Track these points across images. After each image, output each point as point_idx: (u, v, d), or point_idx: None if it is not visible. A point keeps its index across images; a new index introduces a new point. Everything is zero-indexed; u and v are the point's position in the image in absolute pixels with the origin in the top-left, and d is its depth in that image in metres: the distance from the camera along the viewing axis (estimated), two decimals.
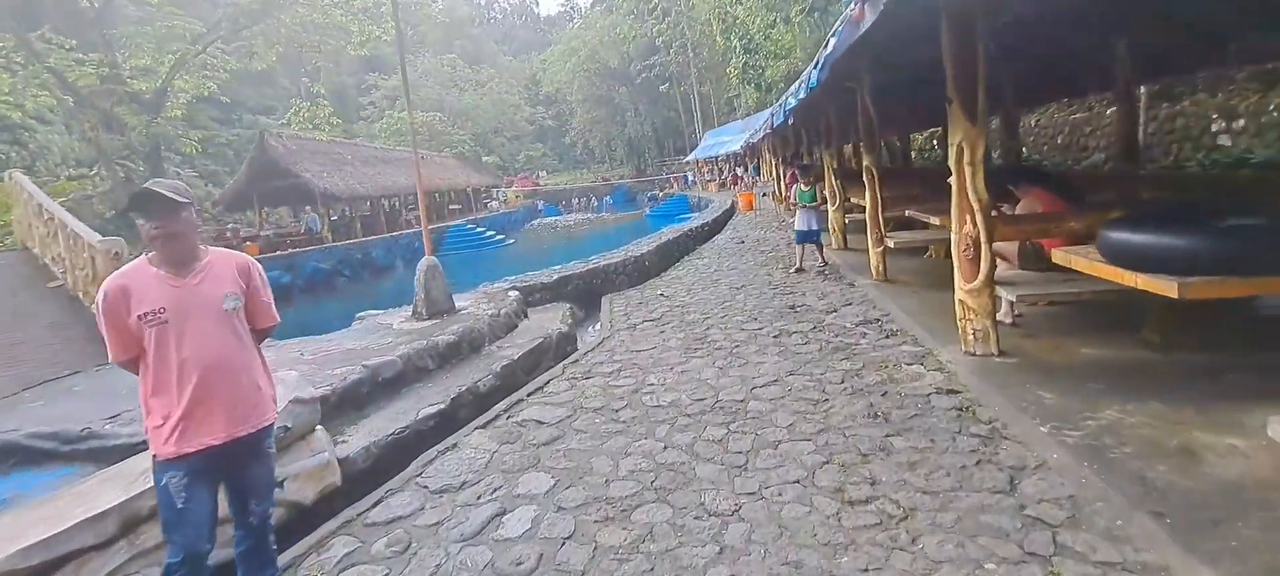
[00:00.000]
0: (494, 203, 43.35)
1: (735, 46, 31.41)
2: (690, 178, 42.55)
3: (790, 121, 8.93)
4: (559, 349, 6.26)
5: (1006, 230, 4.47)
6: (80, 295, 6.85)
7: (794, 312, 6.45)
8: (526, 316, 6.95)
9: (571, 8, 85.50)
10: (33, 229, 9.17)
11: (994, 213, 4.43)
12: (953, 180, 4.46)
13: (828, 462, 3.28)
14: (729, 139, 34.66)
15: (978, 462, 3.11)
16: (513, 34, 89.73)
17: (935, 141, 19.72)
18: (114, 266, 6.24)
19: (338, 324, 14.54)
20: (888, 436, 3.48)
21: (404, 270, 24.77)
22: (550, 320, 6.94)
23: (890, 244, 7.19)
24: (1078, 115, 13.62)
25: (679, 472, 3.37)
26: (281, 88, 48.80)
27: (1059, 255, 3.79)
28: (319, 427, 3.39)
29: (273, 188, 24.38)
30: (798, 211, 8.45)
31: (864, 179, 7.23)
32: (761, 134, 16.56)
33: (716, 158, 37.08)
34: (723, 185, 35.32)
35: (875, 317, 5.90)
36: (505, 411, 4.52)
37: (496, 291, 7.47)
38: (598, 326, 7.76)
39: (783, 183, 18.13)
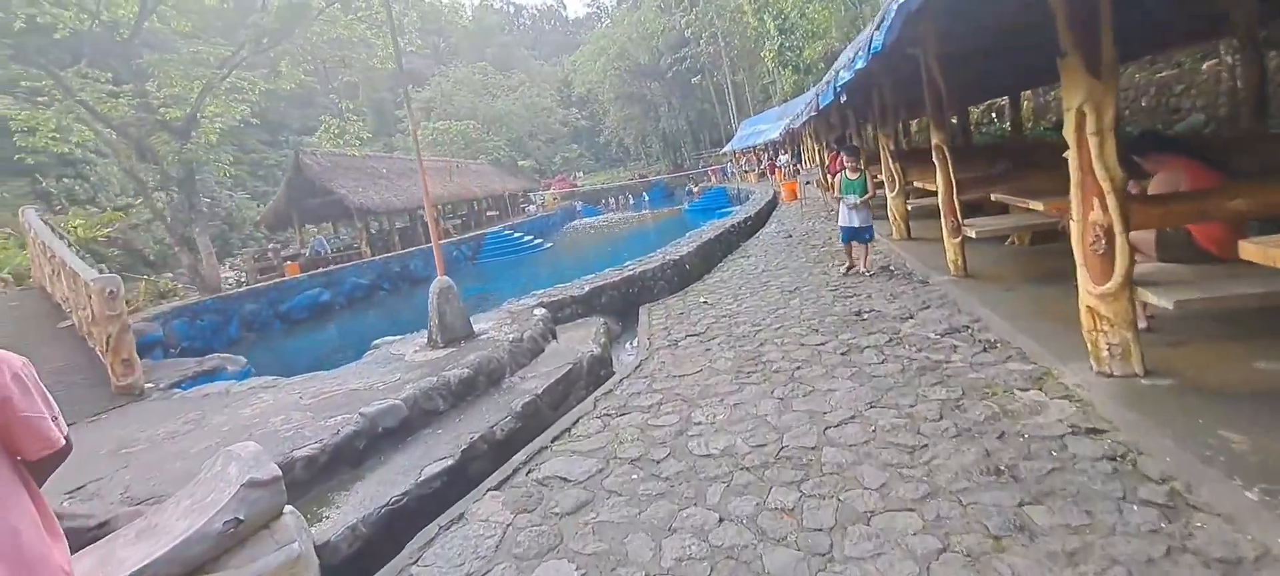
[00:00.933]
0: (532, 206, 43.13)
1: (769, 28, 30.14)
2: (729, 169, 41.34)
3: (842, 98, 7.94)
4: (591, 374, 5.51)
5: (1148, 213, 3.47)
6: (87, 337, 6.50)
7: (861, 321, 5.52)
8: (555, 337, 6.23)
9: (598, 8, 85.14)
10: (42, 266, 9.00)
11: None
12: (1070, 154, 3.49)
13: (946, 549, 2.41)
14: (766, 127, 33.46)
15: (1167, 552, 2.19)
16: (542, 38, 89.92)
17: (995, 115, 18.21)
18: (109, 307, 5.80)
19: (370, 342, 14.27)
20: (1022, 505, 2.58)
21: None
22: (582, 339, 6.20)
23: (971, 233, 6.18)
24: (1165, 73, 12.12)
25: (741, 563, 2.55)
26: (321, 106, 49.91)
27: (1252, 249, 2.80)
28: (288, 510, 2.71)
29: (311, 205, 24.55)
30: (841, 205, 7.32)
31: (934, 159, 6.22)
32: (802, 118, 15.49)
33: (754, 147, 35.85)
34: (762, 175, 34.13)
35: (964, 325, 4.93)
36: (525, 465, 3.78)
37: (521, 310, 6.77)
38: (634, 343, 6.98)
39: (826, 168, 17.00)
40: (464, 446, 3.93)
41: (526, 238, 30.17)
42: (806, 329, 5.59)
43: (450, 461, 3.75)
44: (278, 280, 19.26)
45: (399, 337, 6.61)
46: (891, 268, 7.46)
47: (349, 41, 18.12)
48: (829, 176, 14.55)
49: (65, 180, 29.78)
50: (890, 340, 4.90)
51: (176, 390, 6.09)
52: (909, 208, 8.87)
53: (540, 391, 4.75)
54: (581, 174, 62.93)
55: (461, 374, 4.72)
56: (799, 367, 4.66)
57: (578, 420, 4.39)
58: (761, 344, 5.41)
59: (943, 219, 6.34)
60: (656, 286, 8.35)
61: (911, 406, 3.70)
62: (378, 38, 18.57)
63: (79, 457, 4.27)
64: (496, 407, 4.56)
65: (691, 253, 9.41)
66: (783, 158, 28.10)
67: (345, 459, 3.81)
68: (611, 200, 49.09)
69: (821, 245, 9.86)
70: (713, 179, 42.45)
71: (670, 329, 6.50)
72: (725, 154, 44.61)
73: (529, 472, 3.70)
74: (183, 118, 15.99)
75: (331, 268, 20.94)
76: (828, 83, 8.76)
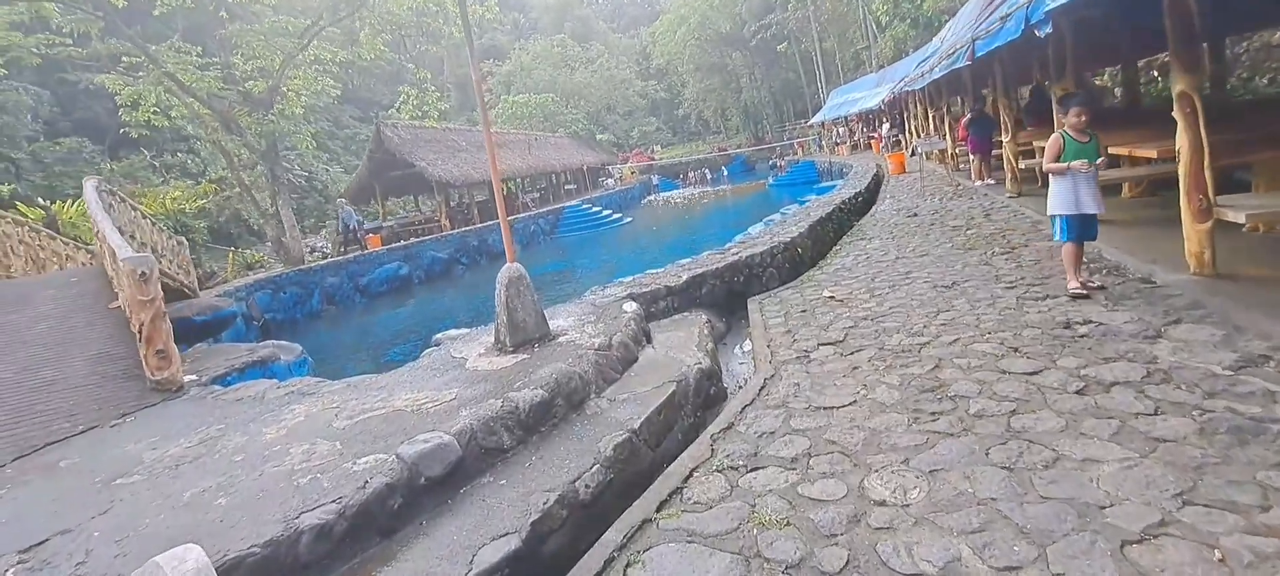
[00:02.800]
0: (609, 180, 42.17)
1: None
2: (820, 141, 38.74)
3: (1042, 30, 6.07)
4: (699, 394, 4.24)
5: None
6: (130, 321, 5.89)
7: (1082, 340, 3.93)
8: (649, 341, 4.98)
9: None
10: (102, 242, 8.67)
11: None
12: None
13: None
14: (861, 96, 30.73)
15: None
16: (621, 9, 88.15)
17: (1157, 73, 15.31)
18: (141, 291, 5.04)
19: (446, 320, 13.61)
20: None
21: (521, 254, 24.03)
22: (682, 343, 4.92)
23: (1230, 216, 4.41)
24: None
25: None
26: (410, 83, 50.97)
27: None
28: None
29: (392, 178, 24.51)
30: (1060, 182, 4.75)
31: (1178, 112, 4.44)
32: (919, 81, 13.38)
33: (847, 117, 33.17)
34: (856, 147, 31.55)
35: (1262, 354, 3.28)
36: (620, 552, 2.57)
37: (607, 303, 5.56)
38: (746, 347, 5.63)
39: (944, 136, 14.82)
40: (536, 515, 2.76)
41: (605, 212, 29.22)
42: (998, 345, 4.05)
43: (516, 543, 2.59)
44: (358, 253, 19.15)
45: (464, 332, 5.57)
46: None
47: (428, 10, 17.49)
48: (958, 147, 12.46)
49: (180, 155, 31.44)
50: (1148, 375, 3.32)
51: (216, 386, 5.34)
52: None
53: (637, 424, 3.52)
54: (659, 147, 61.38)
55: (534, 397, 3.55)
56: (1014, 411, 3.19)
57: (691, 473, 3.13)
58: (935, 365, 3.94)
59: (1183, 197, 4.56)
60: (765, 274, 6.94)
61: (1262, 511, 2.20)
62: (456, 7, 17.85)
63: (74, 485, 3.45)
64: (579, 447, 3.37)
65: (803, 234, 7.91)
66: (885, 127, 25.54)
67: (373, 524, 2.72)
68: (690, 174, 47.41)
69: (965, 226, 8.08)
70: (799, 152, 39.95)
71: (794, 333, 5.10)
72: (812, 125, 41.89)
73: (627, 568, 2.48)
74: (265, 90, 15.85)
75: (411, 241, 20.69)
76: (985, 26, 6.94)
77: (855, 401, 3.66)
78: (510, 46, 60.67)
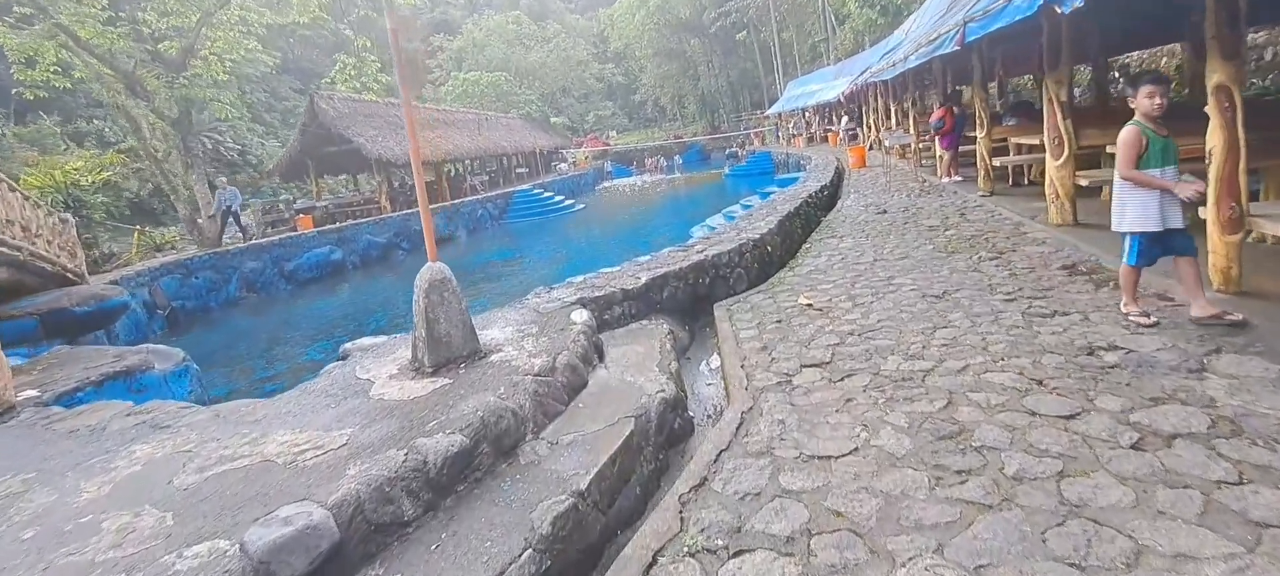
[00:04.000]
0: (563, 165, 40.93)
1: None
2: (777, 132, 38.50)
3: (1014, 22, 5.50)
4: (662, 431, 3.45)
5: None
6: None
7: (1115, 372, 3.32)
8: (601, 359, 4.16)
9: None
10: None
11: None
12: None
13: None
14: (818, 88, 30.50)
15: None
16: None
17: (1118, 74, 15.32)
18: None
19: (376, 317, 12.42)
20: None
21: (466, 240, 22.78)
22: (640, 362, 4.13)
23: (1268, 229, 3.92)
24: None
25: None
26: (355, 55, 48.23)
27: None
28: None
29: (327, 154, 22.74)
30: (1136, 192, 3.65)
31: (1212, 107, 3.89)
32: (888, 71, 12.91)
33: (804, 109, 32.93)
34: (811, 139, 31.35)
35: None
36: None
37: (553, 309, 4.69)
38: (713, 363, 4.89)
39: (930, 130, 14.45)
40: None
41: (558, 198, 28.13)
42: (1017, 376, 3.41)
43: None
44: (284, 235, 17.56)
45: (379, 342, 4.62)
46: (1078, 266, 5.21)
47: None
48: (932, 140, 12.00)
49: (95, 121, 28.47)
50: (1213, 424, 2.71)
51: (57, 407, 4.26)
52: (1085, 183, 6.51)
53: (585, 482, 2.70)
54: (614, 133, 60.31)
55: (450, 446, 2.69)
56: (1062, 473, 2.53)
57: (655, 559, 2.35)
58: (947, 401, 3.26)
59: (1211, 204, 4.03)
60: (733, 275, 6.22)
61: None
62: None
63: None
64: (507, 517, 2.54)
65: (771, 231, 7.22)
66: (843, 121, 25.30)
67: None
68: (646, 161, 46.60)
69: (942, 227, 7.55)
70: (756, 143, 39.63)
71: (771, 350, 4.37)
72: (769, 116, 41.66)
73: None
74: (178, 50, 14.15)
75: (344, 224, 19.17)
76: (964, 15, 6.34)
77: (857, 449, 2.95)
78: (463, 21, 58.25)
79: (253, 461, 2.81)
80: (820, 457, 2.92)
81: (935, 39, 7.65)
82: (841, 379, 3.75)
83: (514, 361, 3.64)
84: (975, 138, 9.88)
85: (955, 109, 10.82)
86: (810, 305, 5.23)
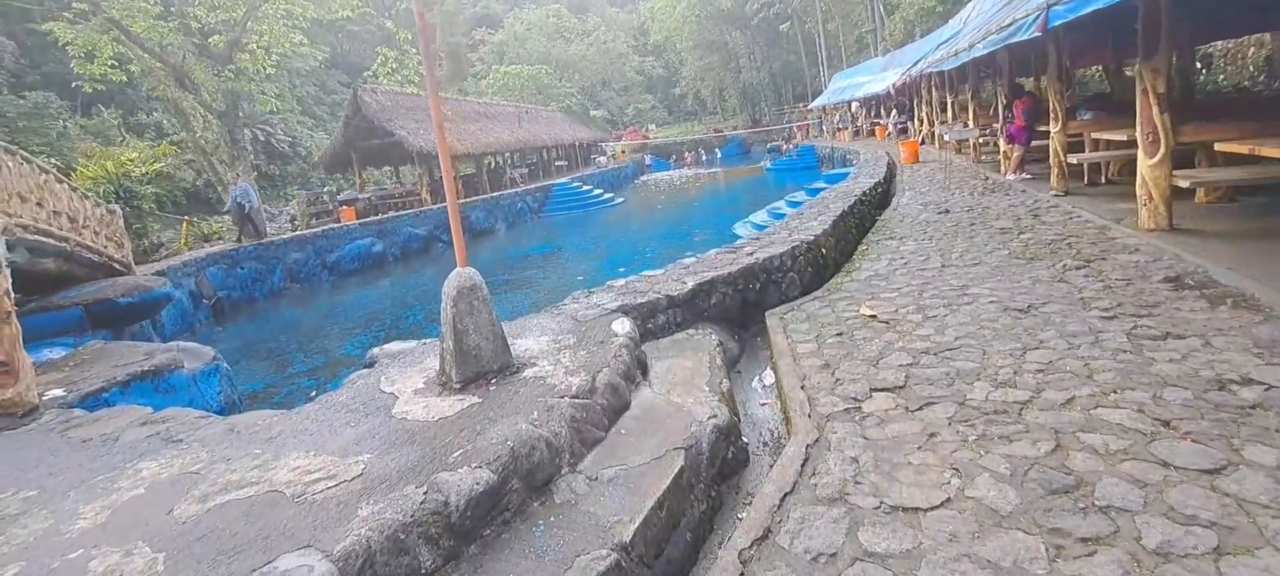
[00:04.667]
0: (602, 158, 40.71)
1: None
2: (822, 126, 37.46)
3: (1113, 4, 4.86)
4: (714, 463, 3.05)
5: None
6: None
7: (1258, 414, 2.77)
8: (645, 374, 3.77)
9: None
10: None
11: None
12: None
13: None
14: (865, 80, 29.46)
15: None
16: None
17: (1202, 66, 14.12)
18: None
19: (414, 312, 12.31)
20: None
21: (505, 233, 22.72)
22: (688, 379, 3.73)
23: None
24: None
25: None
26: (400, 48, 49.01)
27: None
28: None
29: (371, 147, 22.95)
30: None
31: None
32: (948, 61, 12.13)
33: (850, 102, 31.84)
34: (857, 133, 30.31)
35: None
36: None
37: (592, 317, 4.33)
38: (767, 379, 4.45)
39: (1001, 124, 13.61)
40: None
41: (596, 191, 27.90)
42: (1136, 414, 2.88)
43: None
44: (327, 227, 17.74)
45: (408, 348, 4.34)
46: (1184, 279, 4.59)
47: None
48: (995, 134, 11.19)
49: (154, 114, 29.49)
50: None
51: (80, 409, 4.12)
52: (1186, 184, 5.82)
53: (629, 532, 2.33)
54: (654, 126, 59.82)
55: (475, 484, 2.34)
56: (1218, 550, 2.03)
57: None
58: (1054, 443, 2.76)
59: None
60: (785, 280, 5.75)
61: None
62: None
63: None
64: (539, 570, 2.18)
65: (826, 231, 6.71)
66: (893, 114, 24.30)
67: None
68: (686, 154, 46.01)
69: (1014, 229, 6.91)
70: (799, 136, 38.64)
71: (834, 368, 3.92)
72: (813, 109, 40.55)
73: None
74: (225, 44, 14.32)
75: (385, 216, 19.28)
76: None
77: (949, 500, 2.49)
78: (504, 15, 58.54)
79: (260, 491, 2.52)
80: (906, 509, 2.47)
81: (1009, 25, 6.98)
82: (920, 408, 3.28)
83: (549, 379, 3.29)
84: (1047, 133, 9.15)
85: (1032, 101, 10.03)
86: (874, 316, 4.74)
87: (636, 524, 2.36)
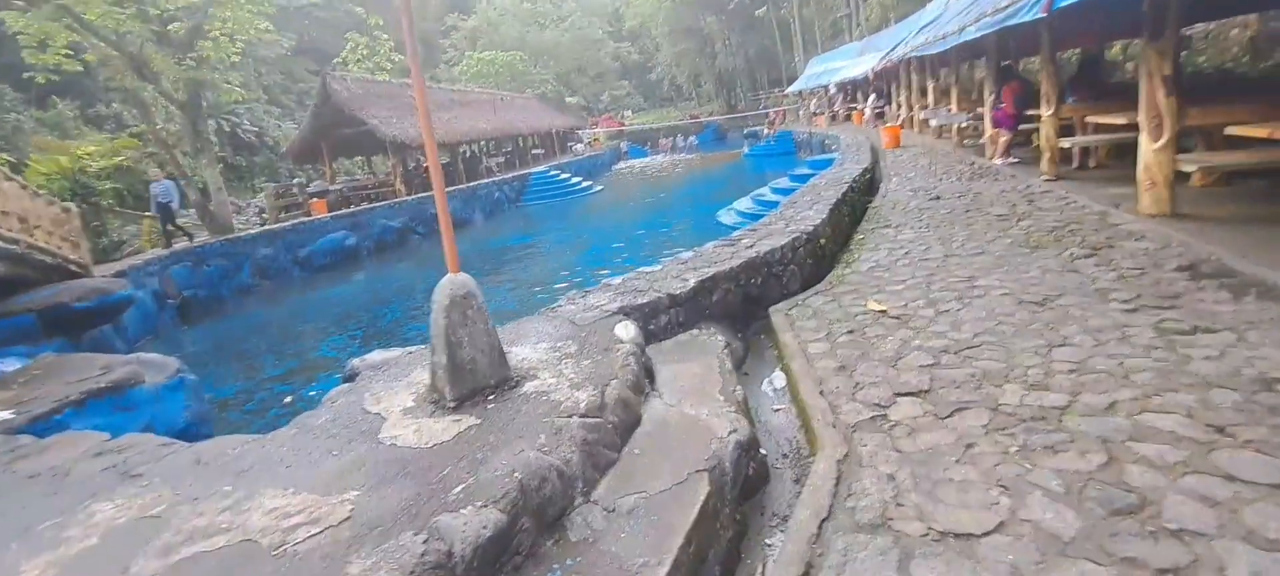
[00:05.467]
0: (579, 145, 40.15)
1: None
2: (800, 111, 37.36)
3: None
4: (737, 486, 2.81)
5: None
6: None
7: None
8: (653, 384, 3.51)
9: None
10: None
11: None
12: None
13: None
14: (842, 65, 29.37)
15: None
16: None
17: (1252, 40, 14.07)
18: None
19: (392, 308, 11.86)
20: None
21: (483, 224, 22.18)
22: (699, 387, 3.48)
23: None
24: None
25: None
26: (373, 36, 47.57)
27: None
28: None
29: (341, 137, 22.22)
30: None
31: None
32: (934, 45, 11.98)
33: (826, 87, 31.74)
34: (835, 118, 30.25)
35: None
36: None
37: (592, 320, 4.04)
38: (777, 381, 4.22)
39: (991, 110, 13.53)
40: None
41: (574, 179, 27.45)
42: (1186, 419, 2.71)
43: None
44: (297, 221, 17.09)
45: (391, 357, 4.00)
46: (1200, 267, 4.47)
47: None
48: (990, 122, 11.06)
49: (114, 105, 28.07)
50: None
51: (26, 435, 3.72)
52: (1192, 168, 5.72)
53: (662, 574, 2.07)
54: (629, 112, 59.25)
55: (482, 529, 2.06)
56: None
57: None
58: (1106, 455, 2.57)
59: None
60: (786, 273, 5.53)
61: None
62: None
63: None
64: None
65: (824, 221, 6.50)
66: (871, 99, 24.24)
67: None
68: (661, 141, 45.63)
69: (1012, 216, 6.78)
70: (777, 121, 38.47)
71: (851, 371, 3.70)
72: (788, 94, 40.43)
73: None
74: (185, 31, 13.57)
75: (358, 208, 18.65)
76: None
77: (1003, 524, 2.28)
78: (477, 0, 57.23)
79: (232, 540, 2.21)
80: (957, 536, 2.26)
81: (1007, 7, 6.81)
82: (951, 414, 3.07)
83: (553, 394, 3.01)
84: (1034, 117, 9.07)
85: (1021, 86, 9.92)
86: (884, 311, 4.54)
87: (666, 568, 2.10)
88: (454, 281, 3.07)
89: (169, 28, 14.32)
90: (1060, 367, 3.35)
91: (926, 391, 3.33)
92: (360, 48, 18.69)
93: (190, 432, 4.78)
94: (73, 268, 9.20)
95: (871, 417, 3.15)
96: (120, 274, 10.36)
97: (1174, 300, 4.00)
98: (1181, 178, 6.41)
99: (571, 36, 53.74)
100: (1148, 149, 5.86)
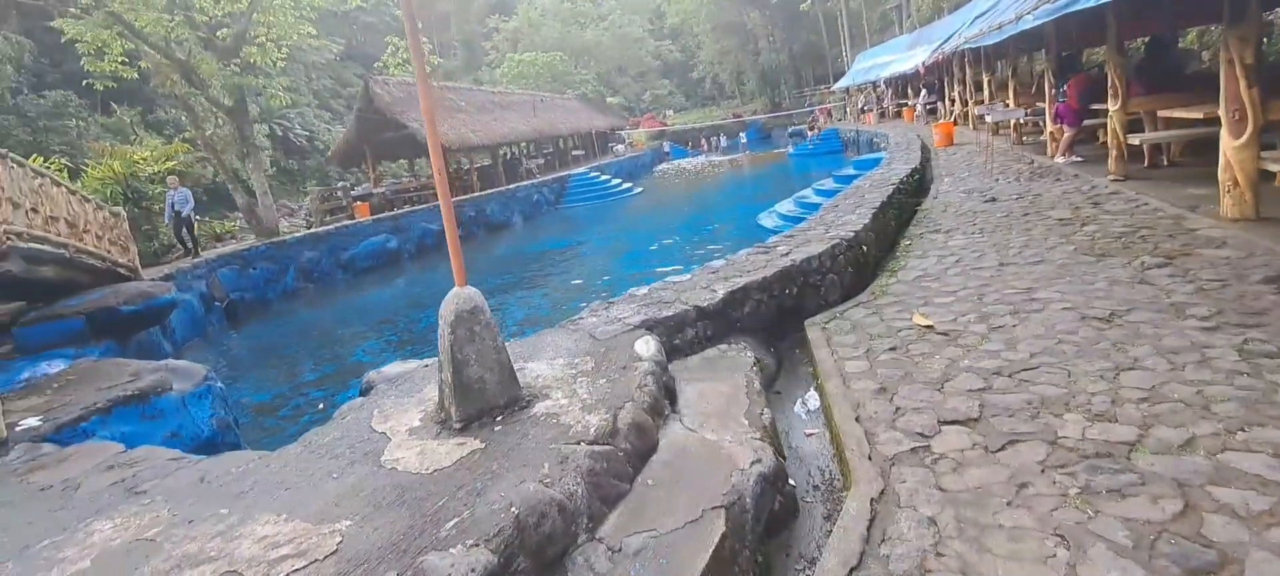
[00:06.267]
0: (619, 146, 40.08)
1: None
2: (846, 108, 36.46)
3: None
4: (759, 522, 2.56)
5: None
6: None
7: None
8: (673, 405, 3.29)
9: None
10: None
11: None
12: None
13: None
14: (891, 59, 28.47)
15: None
16: None
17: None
18: None
19: (428, 315, 11.92)
20: None
21: (522, 227, 22.31)
22: (723, 409, 3.25)
23: None
24: None
25: None
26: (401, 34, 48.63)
27: None
28: None
29: (384, 140, 22.67)
30: None
31: None
32: (990, 36, 11.33)
33: (875, 83, 30.79)
34: (884, 115, 29.34)
35: None
36: None
37: (613, 335, 3.84)
38: (811, 402, 3.94)
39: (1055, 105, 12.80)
40: None
41: (614, 181, 27.37)
42: (1277, 459, 2.34)
43: None
44: (340, 224, 17.48)
45: (408, 370, 3.90)
46: None
47: None
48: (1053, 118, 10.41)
49: (172, 111, 29.49)
50: None
51: (50, 443, 3.77)
52: (1274, 168, 5.15)
53: None
54: (671, 112, 58.91)
55: (469, 573, 1.89)
56: None
57: None
58: (1181, 501, 2.23)
59: None
60: (824, 283, 5.21)
61: None
62: None
63: None
64: None
65: (867, 226, 6.14)
66: (922, 94, 23.37)
67: None
68: (703, 141, 45.13)
69: (1075, 220, 6.27)
70: (822, 119, 37.58)
71: (892, 394, 3.39)
72: (835, 91, 39.44)
73: None
74: (231, 37, 14.02)
75: (400, 211, 18.97)
76: None
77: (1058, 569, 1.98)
78: (517, 1, 57.90)
79: (216, 570, 2.10)
80: None
81: None
82: (1003, 447, 2.75)
83: (563, 416, 2.83)
84: (1099, 112, 8.44)
85: (1085, 80, 9.27)
86: (931, 327, 4.20)
87: None
88: (460, 295, 2.93)
89: (216, 34, 14.81)
90: (1129, 395, 2.98)
91: (975, 420, 3.01)
92: (400, 51, 18.97)
93: (215, 441, 4.80)
94: (122, 271, 9.54)
95: (912, 449, 2.86)
96: (168, 277, 10.72)
97: (1260, 317, 3.55)
98: (1266, 178, 5.81)
99: (612, 35, 53.75)
100: (1229, 145, 5.31)
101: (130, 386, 4.52)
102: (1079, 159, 9.40)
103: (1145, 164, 8.27)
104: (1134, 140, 7.70)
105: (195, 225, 13.71)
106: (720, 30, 52.55)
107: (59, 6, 14.94)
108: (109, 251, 8.96)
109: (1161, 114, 7.57)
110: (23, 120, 23.79)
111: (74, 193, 8.42)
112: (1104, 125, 8.54)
